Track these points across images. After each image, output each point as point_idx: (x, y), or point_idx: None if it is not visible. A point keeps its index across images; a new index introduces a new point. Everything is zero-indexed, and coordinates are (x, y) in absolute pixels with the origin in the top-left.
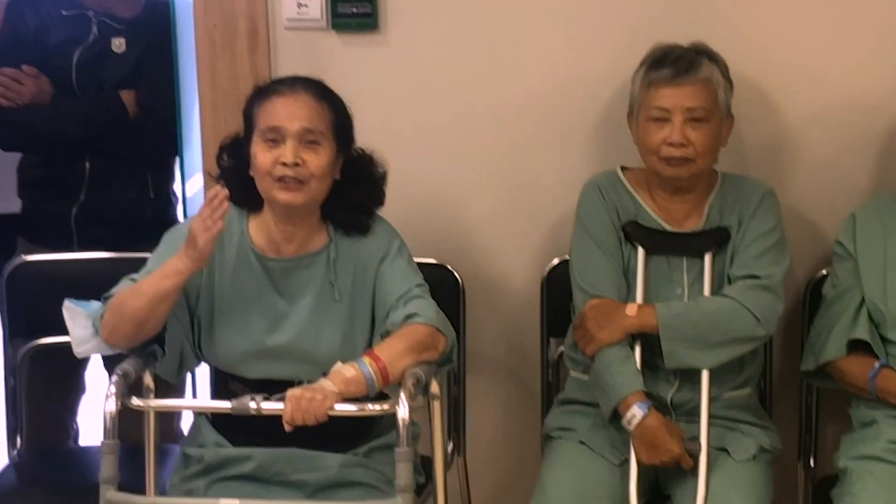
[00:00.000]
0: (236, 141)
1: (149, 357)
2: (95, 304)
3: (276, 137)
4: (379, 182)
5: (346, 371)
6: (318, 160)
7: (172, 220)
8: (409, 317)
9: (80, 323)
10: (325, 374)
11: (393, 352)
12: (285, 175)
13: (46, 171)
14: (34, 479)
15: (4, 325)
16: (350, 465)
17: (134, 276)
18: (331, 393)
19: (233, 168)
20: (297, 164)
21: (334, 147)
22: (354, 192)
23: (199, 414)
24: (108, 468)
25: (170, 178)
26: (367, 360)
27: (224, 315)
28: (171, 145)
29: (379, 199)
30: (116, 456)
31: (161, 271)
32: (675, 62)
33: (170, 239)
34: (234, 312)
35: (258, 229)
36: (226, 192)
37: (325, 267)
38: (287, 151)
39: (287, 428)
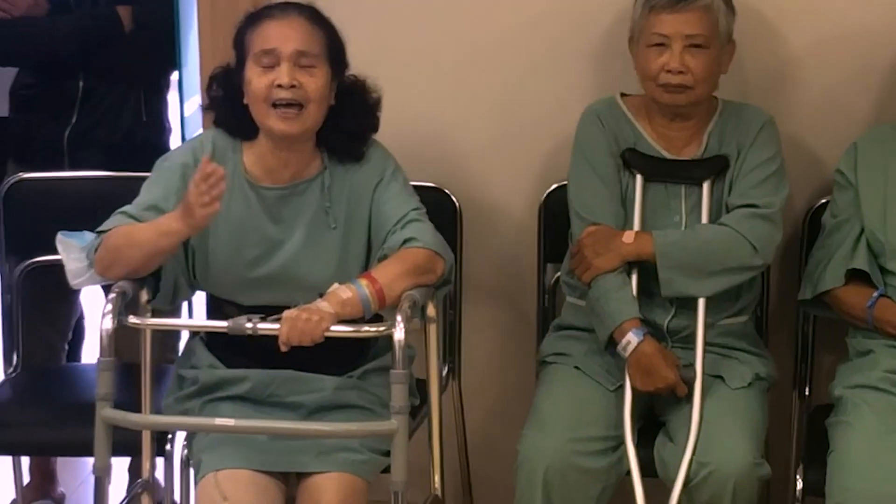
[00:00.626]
0: (227, 70)
1: (142, 283)
2: (89, 236)
3: (270, 61)
4: (373, 108)
5: (342, 292)
6: (315, 83)
7: (164, 146)
8: (406, 241)
9: (73, 256)
10: (321, 296)
11: (390, 274)
12: (282, 98)
13: (39, 90)
14: (30, 396)
15: (0, 243)
16: (345, 387)
17: (127, 208)
18: (327, 314)
19: (224, 98)
20: (293, 87)
21: (329, 71)
22: (349, 119)
23: (193, 335)
24: (104, 385)
25: (163, 101)
26: (363, 281)
27: (219, 244)
28: (166, 65)
29: (373, 126)
30: (113, 374)
31: (158, 227)
32: None
33: (161, 170)
34: (229, 241)
35: (252, 157)
36: (222, 170)
37: (319, 194)
38: (283, 73)
39: (283, 349)
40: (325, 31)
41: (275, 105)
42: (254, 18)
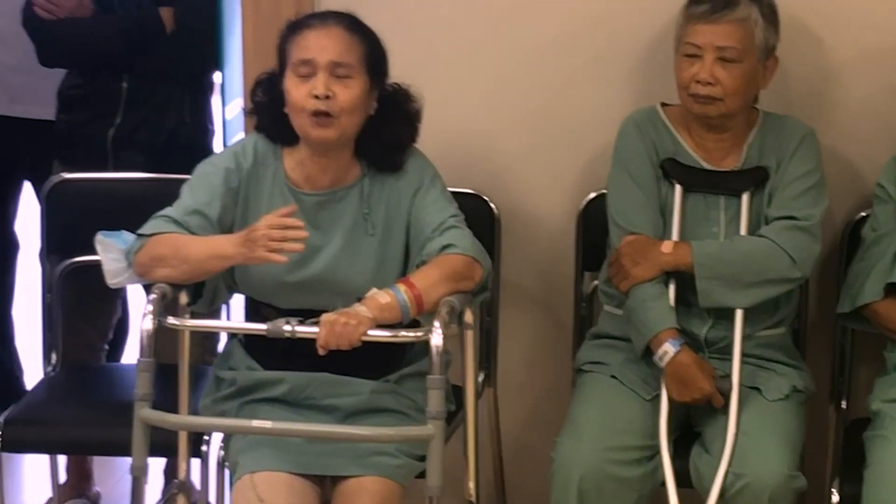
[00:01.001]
0: (271, 77)
1: (183, 287)
2: (128, 236)
3: (307, 71)
4: (413, 118)
5: (380, 297)
6: (349, 93)
7: (207, 148)
8: (445, 247)
9: (112, 256)
10: (359, 300)
11: (428, 280)
12: (317, 108)
13: (84, 91)
14: (68, 394)
15: (42, 242)
16: (381, 391)
17: (169, 211)
18: (365, 318)
19: (267, 103)
20: (327, 97)
21: (367, 80)
22: (388, 128)
23: (232, 337)
24: (143, 385)
25: (206, 102)
26: (402, 287)
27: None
28: (209, 66)
29: (412, 136)
30: (152, 374)
31: (211, 249)
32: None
33: (204, 174)
34: None
35: (293, 163)
36: (306, 233)
37: (358, 200)
38: (318, 83)
39: (321, 352)
40: (365, 41)
41: (313, 114)
42: (294, 27)
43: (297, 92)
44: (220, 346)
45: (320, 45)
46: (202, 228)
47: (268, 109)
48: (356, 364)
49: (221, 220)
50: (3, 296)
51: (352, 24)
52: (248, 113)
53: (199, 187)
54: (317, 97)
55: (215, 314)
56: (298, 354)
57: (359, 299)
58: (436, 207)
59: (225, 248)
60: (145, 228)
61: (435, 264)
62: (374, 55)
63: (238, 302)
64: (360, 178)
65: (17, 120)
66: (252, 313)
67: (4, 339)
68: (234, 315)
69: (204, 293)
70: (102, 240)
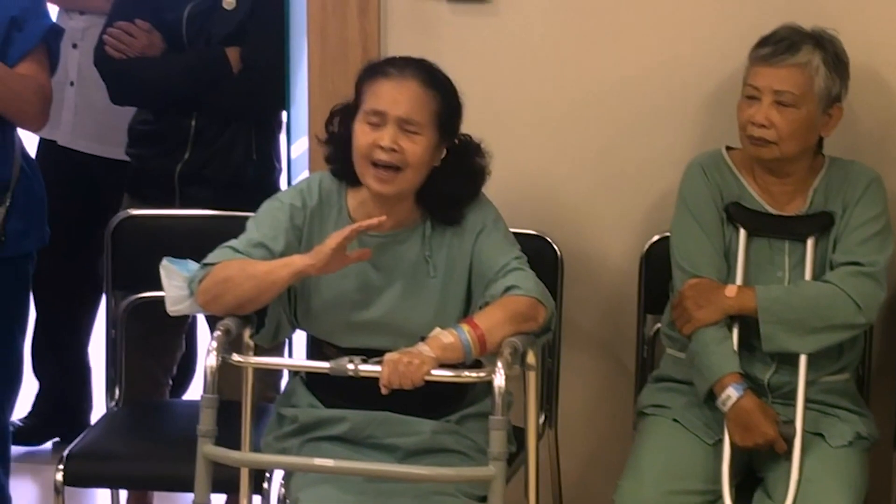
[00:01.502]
0: (347, 108)
1: (246, 321)
2: (192, 265)
3: (377, 121)
4: (478, 174)
5: (444, 337)
6: (415, 149)
7: (273, 185)
8: (508, 288)
9: (175, 283)
10: (423, 339)
11: (492, 321)
12: (380, 160)
13: (154, 127)
14: (131, 429)
15: (108, 278)
16: (442, 431)
17: (234, 243)
18: (428, 358)
19: (340, 136)
20: (393, 150)
21: (435, 136)
22: (450, 182)
23: (294, 375)
24: (206, 422)
25: (273, 140)
26: (465, 327)
27: (321, 287)
28: (275, 105)
29: (474, 192)
30: (215, 410)
31: (281, 264)
32: (776, 42)
33: (270, 209)
34: (331, 285)
35: (356, 203)
36: (367, 252)
37: (420, 243)
38: (385, 135)
39: (383, 391)
40: (439, 95)
41: (374, 164)
42: (372, 72)
43: (364, 138)
44: (283, 383)
45: (393, 99)
46: (265, 261)
47: (339, 142)
48: (418, 404)
49: (284, 256)
50: (82, 334)
51: (428, 79)
52: (321, 143)
53: (265, 222)
54: (381, 147)
55: (278, 350)
56: (360, 393)
57: (422, 338)
58: (499, 250)
59: (297, 263)
60: (210, 258)
61: (499, 305)
62: (446, 112)
63: (300, 338)
64: (423, 220)
65: (104, 160)
66: (314, 352)
67: (80, 374)
68: (296, 352)
69: (266, 323)
70: (167, 265)
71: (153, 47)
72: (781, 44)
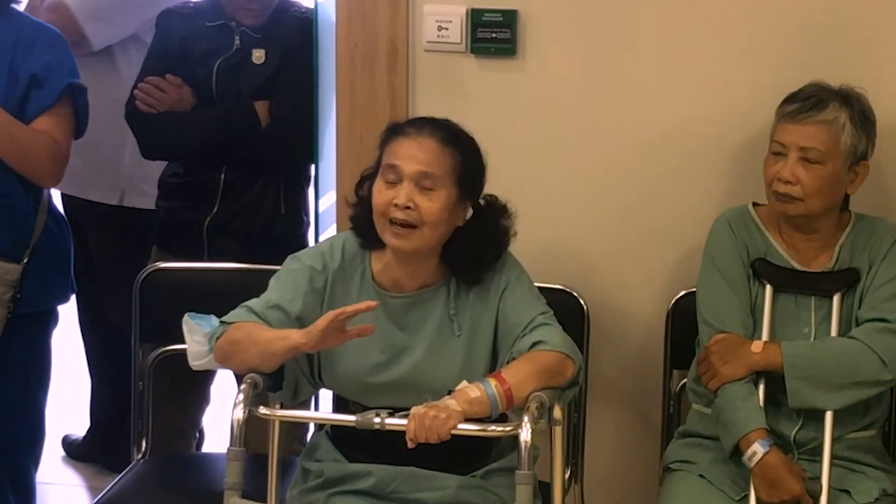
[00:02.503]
0: (374, 172)
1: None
2: (214, 321)
3: (394, 178)
4: (501, 235)
5: (471, 391)
6: (431, 206)
7: (301, 239)
8: (535, 343)
9: (197, 338)
10: (449, 393)
11: (519, 375)
12: (396, 217)
13: (184, 180)
14: (158, 483)
15: (136, 330)
16: (468, 486)
17: (252, 303)
18: (454, 412)
19: (366, 199)
20: (408, 208)
21: (455, 194)
22: (473, 242)
23: (318, 429)
24: (233, 474)
25: (301, 193)
26: (492, 381)
27: (345, 349)
28: (303, 159)
29: (497, 254)
30: (242, 463)
31: (280, 336)
32: (804, 100)
33: (290, 270)
34: (356, 347)
35: (380, 267)
36: (369, 328)
37: (444, 301)
38: (401, 192)
39: (410, 445)
40: (458, 153)
41: (391, 222)
42: (393, 132)
43: (381, 197)
44: (308, 436)
45: (409, 155)
46: (281, 323)
47: (364, 206)
48: (443, 459)
49: (302, 318)
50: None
51: (446, 136)
52: (351, 206)
53: (285, 283)
54: (397, 205)
55: (304, 404)
56: (385, 448)
57: (449, 392)
58: (524, 306)
59: (290, 333)
60: (229, 316)
61: (527, 359)
62: (466, 168)
63: (326, 392)
64: (447, 279)
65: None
66: (340, 408)
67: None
68: (322, 405)
69: (284, 385)
70: (189, 321)
71: (183, 102)
72: (809, 101)
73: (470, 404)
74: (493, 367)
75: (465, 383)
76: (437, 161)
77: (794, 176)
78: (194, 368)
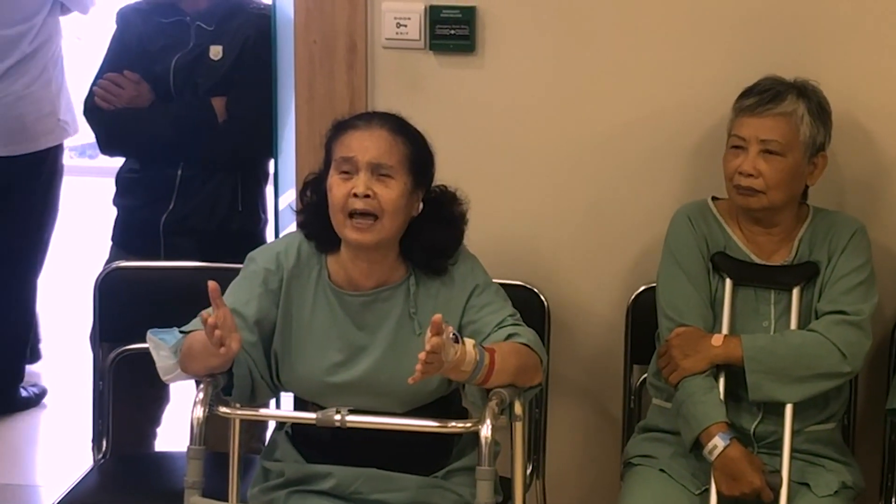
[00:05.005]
0: (319, 177)
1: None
2: (178, 335)
3: (348, 169)
4: (457, 221)
5: (469, 354)
6: (389, 193)
7: (259, 236)
8: (511, 336)
9: (163, 353)
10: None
11: (504, 365)
12: (356, 208)
13: (140, 176)
14: (118, 483)
15: (95, 329)
16: (428, 486)
17: (209, 311)
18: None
19: (315, 205)
20: (367, 196)
21: (408, 181)
22: (431, 231)
23: (277, 429)
24: (193, 473)
25: (259, 190)
26: (486, 359)
27: (302, 349)
28: (260, 155)
29: (456, 240)
30: (202, 462)
31: (207, 349)
32: (761, 93)
33: (246, 274)
34: (313, 347)
35: (336, 265)
36: (231, 325)
37: (404, 300)
38: (359, 182)
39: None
40: (408, 142)
41: (351, 215)
42: (340, 127)
43: (339, 190)
44: (268, 434)
45: (362, 146)
46: (239, 327)
47: (315, 210)
48: (404, 459)
49: (259, 321)
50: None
51: (396, 126)
52: (298, 213)
53: (240, 287)
54: (356, 195)
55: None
56: (344, 449)
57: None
58: (493, 308)
59: (214, 359)
60: (187, 326)
61: (515, 352)
62: (417, 157)
63: (288, 394)
64: (407, 277)
65: None
66: (300, 410)
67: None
68: (283, 404)
69: (234, 390)
70: (152, 338)
71: (141, 98)
72: (766, 94)
73: (459, 364)
74: None
75: (470, 343)
76: (389, 150)
77: (755, 169)
78: (167, 382)
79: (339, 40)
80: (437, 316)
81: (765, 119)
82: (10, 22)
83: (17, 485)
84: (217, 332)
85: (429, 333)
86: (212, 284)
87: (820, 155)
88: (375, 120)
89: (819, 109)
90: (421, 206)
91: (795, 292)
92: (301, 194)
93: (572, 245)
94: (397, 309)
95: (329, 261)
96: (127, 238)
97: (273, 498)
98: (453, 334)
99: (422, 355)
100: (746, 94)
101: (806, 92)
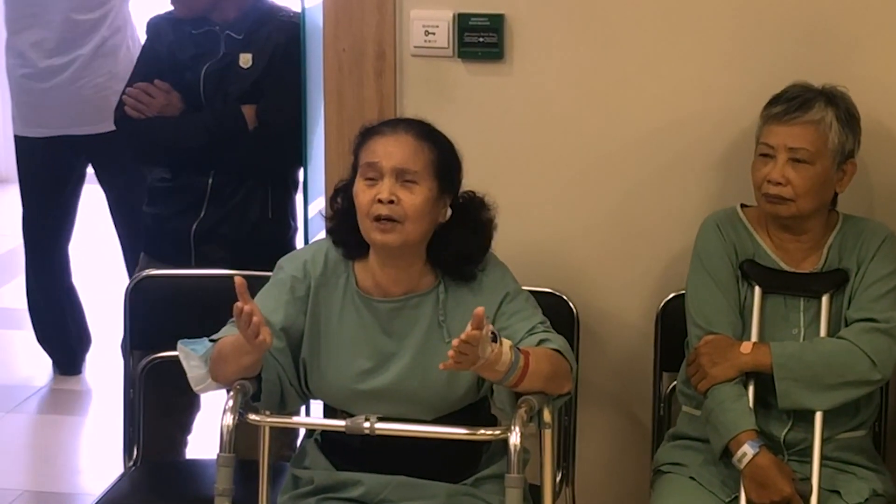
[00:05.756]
0: (348, 183)
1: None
2: (208, 344)
3: (374, 175)
4: (485, 227)
5: (505, 356)
6: (413, 199)
7: (289, 244)
8: (542, 342)
9: (193, 363)
10: (495, 337)
11: (537, 368)
12: (380, 214)
13: (171, 185)
14: (149, 490)
15: (126, 337)
16: (457, 493)
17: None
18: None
19: (344, 210)
20: (391, 202)
21: (434, 187)
22: (459, 237)
23: (307, 437)
24: (223, 481)
25: (289, 198)
26: (522, 360)
27: (331, 356)
28: (290, 163)
29: (484, 246)
30: (232, 469)
31: (238, 345)
32: (788, 101)
33: (274, 281)
34: (342, 354)
35: (364, 272)
36: (259, 320)
37: (433, 307)
38: (383, 188)
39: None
40: (434, 147)
41: (376, 219)
42: (366, 133)
43: (364, 196)
44: (298, 442)
45: (387, 151)
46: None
47: (344, 216)
48: (433, 467)
49: (286, 328)
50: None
51: (421, 132)
52: (327, 219)
53: (268, 295)
54: (380, 201)
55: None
56: (374, 456)
57: (494, 337)
58: (524, 315)
59: (247, 356)
60: (217, 334)
61: (548, 358)
62: (443, 163)
63: (318, 402)
64: (436, 285)
65: None
66: (329, 417)
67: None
68: (313, 411)
69: (262, 397)
70: (183, 348)
71: (171, 107)
72: (794, 101)
73: (494, 363)
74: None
75: (507, 344)
76: (415, 155)
77: (783, 177)
78: (199, 393)
79: (368, 48)
80: (480, 309)
81: (793, 127)
82: (90, 6)
83: (50, 492)
84: (255, 319)
85: (469, 326)
86: (238, 280)
87: (849, 162)
88: (401, 125)
89: (847, 116)
90: (449, 212)
91: (825, 300)
92: (331, 200)
93: (601, 252)
94: (426, 316)
95: (357, 267)
96: (157, 246)
97: None
98: (492, 332)
99: (455, 342)
100: (774, 101)
101: (834, 99)
